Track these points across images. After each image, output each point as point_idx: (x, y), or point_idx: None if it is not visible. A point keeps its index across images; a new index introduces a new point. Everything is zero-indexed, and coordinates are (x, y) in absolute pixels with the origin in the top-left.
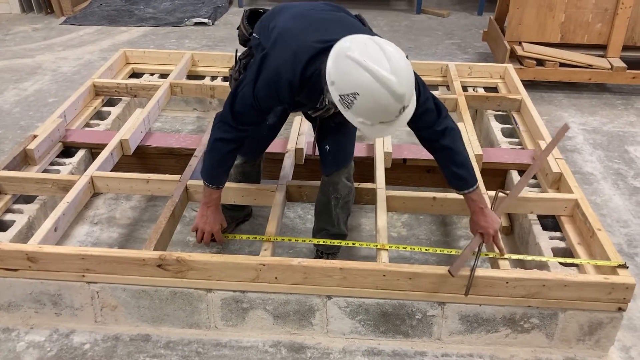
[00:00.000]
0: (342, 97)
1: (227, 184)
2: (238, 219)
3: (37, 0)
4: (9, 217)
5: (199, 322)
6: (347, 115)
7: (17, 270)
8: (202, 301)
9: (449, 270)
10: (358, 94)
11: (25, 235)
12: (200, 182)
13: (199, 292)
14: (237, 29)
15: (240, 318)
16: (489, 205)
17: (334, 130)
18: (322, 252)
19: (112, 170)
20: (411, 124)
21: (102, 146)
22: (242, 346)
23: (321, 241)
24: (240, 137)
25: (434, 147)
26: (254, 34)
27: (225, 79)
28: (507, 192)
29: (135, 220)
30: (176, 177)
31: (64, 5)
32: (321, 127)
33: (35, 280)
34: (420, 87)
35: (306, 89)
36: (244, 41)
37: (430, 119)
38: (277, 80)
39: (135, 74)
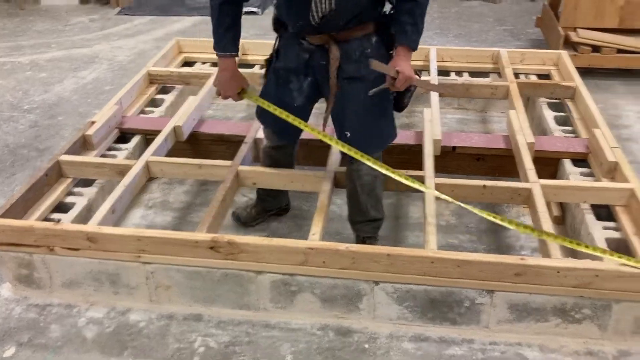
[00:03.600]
0: None
1: (274, 170)
2: (271, 211)
3: None
4: (70, 199)
5: (249, 304)
6: None
7: (78, 250)
8: (252, 283)
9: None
10: None
11: (85, 217)
12: (251, 168)
13: (249, 274)
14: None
15: (288, 301)
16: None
17: (354, 107)
18: (363, 238)
19: (166, 156)
20: None
21: (156, 132)
22: (291, 328)
23: None
24: None
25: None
26: None
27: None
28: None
29: (188, 204)
30: (227, 162)
31: None
32: (340, 101)
33: (94, 260)
34: None
35: None
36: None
37: None
38: None
39: (187, 63)
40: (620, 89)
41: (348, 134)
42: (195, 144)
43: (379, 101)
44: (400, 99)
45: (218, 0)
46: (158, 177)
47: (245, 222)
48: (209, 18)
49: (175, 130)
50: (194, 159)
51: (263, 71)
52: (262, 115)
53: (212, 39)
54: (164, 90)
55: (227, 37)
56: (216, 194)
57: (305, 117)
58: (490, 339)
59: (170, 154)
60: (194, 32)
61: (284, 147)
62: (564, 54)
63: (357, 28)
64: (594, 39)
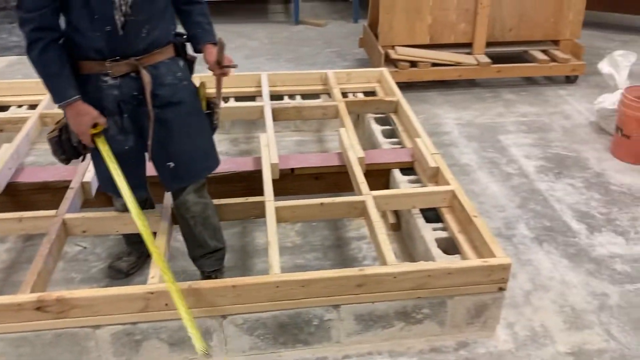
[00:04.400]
0: None
1: (104, 214)
2: (145, 252)
3: None
4: None
5: None
6: None
7: None
8: (91, 339)
9: None
10: None
11: None
12: (79, 215)
13: (85, 331)
14: None
15: (133, 351)
16: None
17: (176, 133)
18: (208, 273)
19: None
20: None
21: None
22: None
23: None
24: (39, 26)
25: (190, 1)
26: None
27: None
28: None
29: (12, 263)
30: (52, 212)
31: None
32: (159, 131)
33: None
34: None
35: None
36: None
37: None
38: None
39: (1, 108)
40: (438, 99)
41: (171, 164)
42: (14, 195)
43: (199, 125)
44: (210, 120)
45: (34, 53)
46: None
47: (128, 271)
48: (25, 57)
49: None
50: (13, 212)
51: (53, 133)
52: (101, 177)
53: (28, 80)
54: None
55: (65, 81)
56: (40, 247)
57: (143, 158)
58: (342, 353)
59: None
60: (9, 73)
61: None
62: (385, 71)
63: (160, 51)
64: (410, 55)
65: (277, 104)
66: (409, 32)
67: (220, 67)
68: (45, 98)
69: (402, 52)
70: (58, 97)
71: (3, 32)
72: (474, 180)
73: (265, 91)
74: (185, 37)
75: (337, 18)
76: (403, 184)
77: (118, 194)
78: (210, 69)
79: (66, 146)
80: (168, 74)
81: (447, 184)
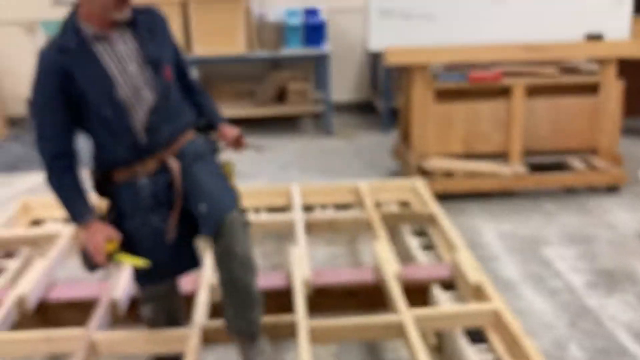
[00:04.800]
0: None
1: (134, 333)
2: None
3: None
4: None
5: None
6: None
7: None
8: None
9: None
10: None
11: None
12: (108, 333)
13: None
14: None
15: None
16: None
17: (202, 180)
18: (248, 334)
19: (10, 330)
20: (181, 75)
21: None
22: None
23: None
24: (57, 153)
25: (197, 91)
26: None
27: None
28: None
29: None
30: (80, 330)
31: None
32: (188, 184)
33: None
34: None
35: (66, 33)
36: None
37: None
38: (41, 58)
39: (36, 223)
40: (475, 210)
41: (204, 205)
42: (45, 313)
43: (220, 172)
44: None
45: (52, 180)
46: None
47: None
48: None
49: (21, 299)
50: (42, 329)
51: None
52: (135, 269)
53: None
54: (9, 256)
55: (80, 200)
56: None
57: (178, 253)
58: None
59: (15, 328)
60: (46, 190)
61: (168, 294)
62: (419, 182)
63: (182, 138)
64: (443, 165)
65: (309, 216)
66: (441, 142)
67: (238, 141)
68: None
69: (436, 163)
70: (74, 219)
71: None
72: (518, 296)
73: (297, 203)
74: (202, 120)
75: (367, 129)
76: (443, 301)
77: (152, 281)
78: (229, 145)
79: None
80: (191, 153)
81: (490, 300)
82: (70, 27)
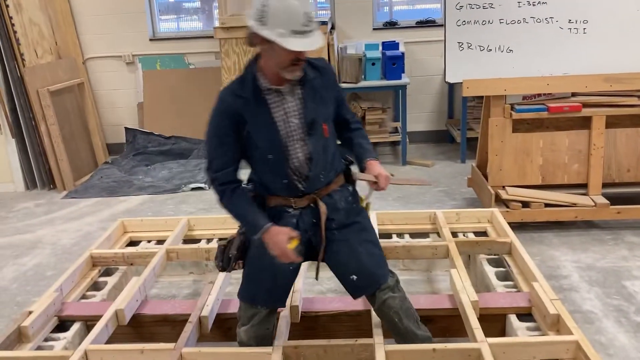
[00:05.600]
0: (257, 15)
1: (219, 349)
2: None
3: (40, 178)
4: None
5: None
6: (266, 33)
7: None
8: None
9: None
10: (266, 4)
11: None
12: (196, 349)
13: None
14: None
15: None
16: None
17: (353, 249)
18: None
19: (107, 342)
20: (339, 116)
21: (97, 317)
22: None
23: None
24: (224, 181)
25: (352, 129)
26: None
27: (220, 239)
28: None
29: None
30: (170, 345)
31: (66, 180)
32: (334, 252)
33: None
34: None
35: (245, 81)
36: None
37: (351, 115)
38: (218, 98)
39: (132, 243)
40: (554, 240)
41: (354, 277)
42: (138, 327)
43: (372, 240)
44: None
45: (224, 201)
46: None
47: None
48: (156, 196)
49: (117, 314)
50: (137, 343)
51: (223, 242)
52: (251, 288)
53: (157, 218)
54: (107, 273)
55: (257, 214)
56: None
57: (294, 279)
58: None
59: (112, 339)
60: (140, 211)
61: (271, 315)
62: (496, 211)
63: (334, 182)
64: (521, 195)
65: (386, 242)
66: (519, 172)
67: (374, 183)
68: (171, 234)
69: (513, 192)
70: (253, 230)
71: (139, 173)
72: (600, 330)
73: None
74: (349, 161)
75: (443, 159)
76: (521, 332)
77: (267, 301)
78: (374, 179)
79: (225, 257)
80: (341, 200)
81: (570, 333)
82: (248, 76)
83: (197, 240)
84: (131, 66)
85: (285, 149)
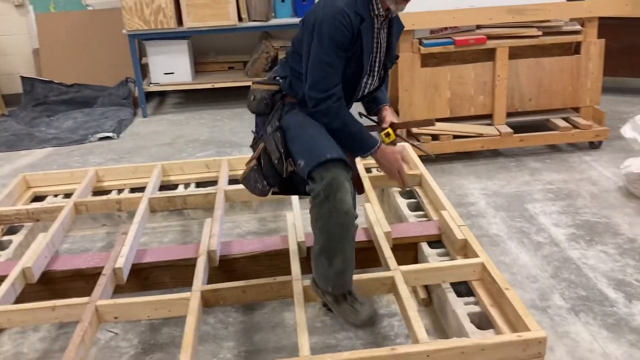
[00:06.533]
0: None
1: (136, 299)
2: None
3: None
4: None
5: None
6: None
7: None
8: None
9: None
10: None
11: None
12: (111, 301)
13: None
14: (253, 100)
15: None
16: None
17: None
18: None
19: (15, 302)
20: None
21: (2, 278)
22: None
23: None
24: (338, 97)
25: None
26: (277, 77)
27: (132, 190)
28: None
29: (45, 352)
30: (84, 299)
31: None
32: None
33: None
34: None
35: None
36: (269, 99)
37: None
38: (336, 12)
39: (37, 198)
40: (462, 170)
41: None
42: (50, 284)
43: None
44: (359, 183)
45: (344, 111)
46: (7, 328)
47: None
48: (61, 148)
49: (25, 272)
50: (48, 300)
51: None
52: (316, 153)
53: (62, 170)
54: (12, 231)
55: (367, 132)
56: (73, 336)
57: None
58: None
59: (23, 299)
60: (45, 165)
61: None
62: (408, 145)
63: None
64: (431, 128)
65: None
66: (428, 106)
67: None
68: (79, 187)
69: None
70: (365, 146)
71: (41, 125)
72: (504, 251)
73: None
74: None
75: None
76: (431, 258)
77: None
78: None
79: (269, 172)
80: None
81: (476, 256)
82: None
83: (108, 192)
84: (21, 9)
85: (364, 76)
